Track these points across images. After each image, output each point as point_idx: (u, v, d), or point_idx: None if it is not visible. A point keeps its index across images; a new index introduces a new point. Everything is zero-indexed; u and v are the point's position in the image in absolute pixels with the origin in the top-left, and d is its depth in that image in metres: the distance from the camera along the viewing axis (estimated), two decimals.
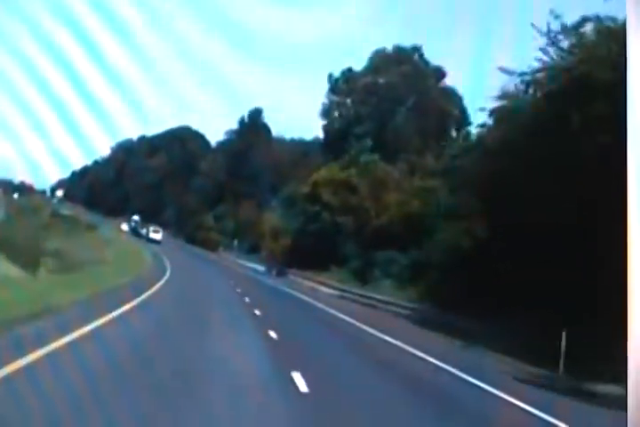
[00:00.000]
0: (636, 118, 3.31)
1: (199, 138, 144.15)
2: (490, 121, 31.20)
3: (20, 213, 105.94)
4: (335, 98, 57.41)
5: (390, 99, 56.53)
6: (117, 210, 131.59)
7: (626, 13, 3.41)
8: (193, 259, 72.88)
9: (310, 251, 54.09)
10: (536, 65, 23.88)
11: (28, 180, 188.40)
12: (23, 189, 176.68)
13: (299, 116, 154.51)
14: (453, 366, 15.41)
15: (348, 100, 57.77)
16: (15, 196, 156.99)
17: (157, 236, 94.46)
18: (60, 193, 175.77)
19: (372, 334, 21.84)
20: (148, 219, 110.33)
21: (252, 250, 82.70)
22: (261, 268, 69.78)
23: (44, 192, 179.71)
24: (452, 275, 30.58)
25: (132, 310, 19.39)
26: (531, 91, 25.39)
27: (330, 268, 50.95)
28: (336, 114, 57.47)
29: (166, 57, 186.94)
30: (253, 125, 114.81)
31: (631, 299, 3.28)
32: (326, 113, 57.24)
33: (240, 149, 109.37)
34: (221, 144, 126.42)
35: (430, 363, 16.15)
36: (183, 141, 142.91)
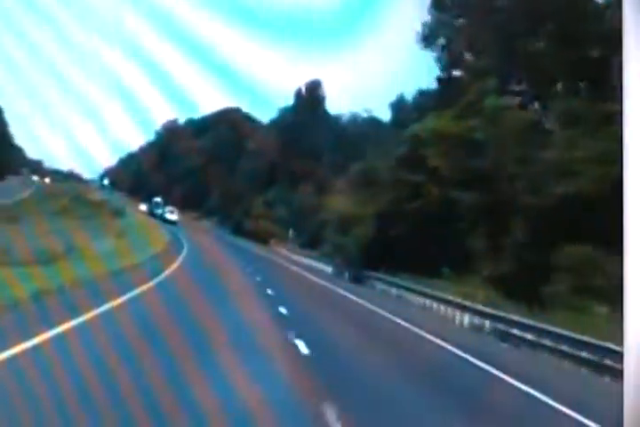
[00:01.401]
0: (634, 119, 3.02)
1: (249, 119, 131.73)
2: None
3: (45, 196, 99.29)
4: (441, 16, 38.04)
5: (523, 18, 37.20)
6: (160, 196, 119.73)
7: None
8: (226, 253, 55.28)
9: (405, 245, 35.42)
10: None
11: (77, 169, 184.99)
12: (71, 177, 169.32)
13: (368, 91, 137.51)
14: None
15: (461, 20, 38.45)
16: (47, 180, 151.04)
17: (173, 216, 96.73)
18: (106, 181, 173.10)
19: None
20: (190, 206, 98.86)
21: (313, 243, 64.54)
22: (326, 267, 52.16)
23: (91, 181, 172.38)
24: None
25: None
26: None
27: (440, 272, 31.96)
28: (442, 40, 38.04)
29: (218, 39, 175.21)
30: (311, 98, 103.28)
31: (627, 292, 2.91)
32: (427, 38, 37.82)
33: (297, 124, 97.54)
34: (274, 122, 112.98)
35: None
36: (231, 122, 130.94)
